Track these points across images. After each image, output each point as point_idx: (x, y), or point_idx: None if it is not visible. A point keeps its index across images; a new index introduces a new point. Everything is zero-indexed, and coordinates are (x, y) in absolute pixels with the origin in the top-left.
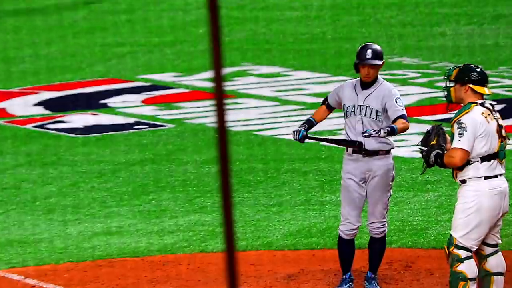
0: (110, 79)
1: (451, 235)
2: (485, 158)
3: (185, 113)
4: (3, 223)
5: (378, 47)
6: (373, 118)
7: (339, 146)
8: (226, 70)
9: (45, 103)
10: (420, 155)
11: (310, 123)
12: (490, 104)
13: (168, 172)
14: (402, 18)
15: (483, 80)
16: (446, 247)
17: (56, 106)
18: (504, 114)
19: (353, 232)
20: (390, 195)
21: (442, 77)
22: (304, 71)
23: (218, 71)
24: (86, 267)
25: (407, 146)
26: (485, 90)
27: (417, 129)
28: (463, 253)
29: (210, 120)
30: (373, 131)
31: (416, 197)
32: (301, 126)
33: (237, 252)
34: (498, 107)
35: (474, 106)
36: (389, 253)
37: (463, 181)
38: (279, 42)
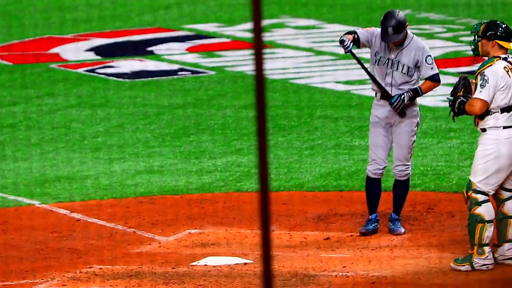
0: (157, 28)
1: (470, 180)
2: (504, 110)
3: (225, 61)
4: (52, 159)
5: (399, 19)
6: (405, 73)
7: (369, 79)
8: (265, 22)
9: (96, 49)
10: (448, 104)
11: (356, 42)
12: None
13: (208, 116)
14: None
15: (509, 36)
16: (464, 191)
17: (105, 52)
18: None
19: (380, 171)
20: (415, 140)
21: (467, 32)
22: (337, 24)
23: (258, 22)
24: (129, 203)
25: (433, 95)
26: (511, 45)
27: (443, 80)
28: (481, 197)
29: (248, 68)
30: (398, 102)
31: (439, 143)
32: (348, 40)
33: (270, 192)
34: None
35: (497, 60)
36: (413, 196)
37: (484, 130)
38: None
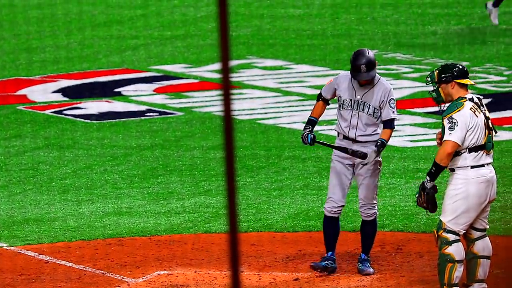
0: (125, 69)
1: (440, 219)
2: (472, 149)
3: (193, 102)
4: (20, 202)
5: (370, 57)
6: (371, 115)
7: (345, 154)
8: (233, 63)
9: (63, 91)
10: (420, 204)
11: (312, 123)
12: (478, 98)
13: (176, 157)
14: (397, 17)
15: (465, 73)
16: (435, 231)
17: (73, 93)
18: (491, 108)
19: (335, 210)
20: (378, 180)
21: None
22: (305, 65)
23: (226, 63)
24: (97, 245)
25: (400, 136)
26: (470, 81)
27: (409, 120)
28: (451, 236)
29: (216, 109)
30: (370, 159)
31: (407, 183)
32: (305, 129)
33: (239, 233)
34: (485, 100)
35: (464, 102)
36: (382, 236)
37: (452, 170)
38: (282, 37)
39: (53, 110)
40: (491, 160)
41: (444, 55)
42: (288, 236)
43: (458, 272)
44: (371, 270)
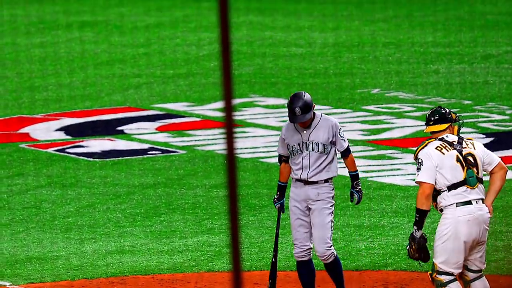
0: (127, 107)
1: (433, 261)
2: (451, 187)
3: (196, 140)
4: (23, 240)
5: (305, 100)
6: (321, 152)
7: (299, 194)
8: (235, 101)
9: (66, 129)
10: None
11: (281, 189)
12: (459, 137)
13: (179, 195)
14: (399, 56)
15: (441, 119)
16: (429, 274)
17: (76, 131)
18: (494, 147)
19: (302, 253)
20: (332, 220)
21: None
22: None
23: (229, 102)
24: (100, 284)
25: (403, 174)
26: (439, 126)
27: (412, 159)
28: (445, 278)
29: (219, 147)
30: (359, 199)
31: (410, 222)
32: (276, 195)
33: (242, 271)
34: (487, 140)
35: (429, 141)
36: (385, 275)
37: (441, 210)
38: (284, 76)
39: (55, 148)
40: (481, 196)
41: (447, 94)
42: (291, 275)
43: None
44: None
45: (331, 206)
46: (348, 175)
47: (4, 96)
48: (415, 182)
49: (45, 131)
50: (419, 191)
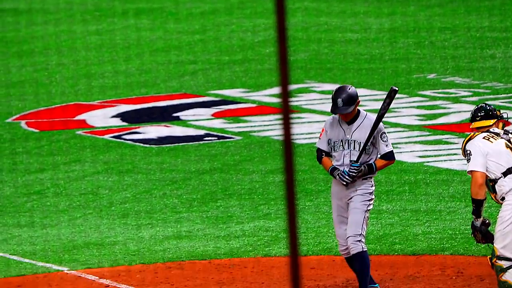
0: (183, 94)
1: (493, 246)
2: (506, 172)
3: (252, 126)
4: (80, 226)
5: (349, 93)
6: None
7: (341, 189)
8: (291, 87)
9: (123, 115)
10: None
11: (333, 168)
12: (505, 131)
13: (236, 181)
14: (455, 41)
15: (489, 115)
16: (489, 258)
17: (132, 118)
18: None
19: (346, 250)
20: (368, 217)
21: (493, 96)
22: (363, 89)
23: (285, 88)
24: (157, 268)
25: (459, 159)
26: (490, 122)
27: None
28: (505, 263)
29: (275, 133)
30: (355, 171)
31: (468, 207)
32: (333, 171)
33: (300, 256)
34: None
35: (476, 134)
36: (442, 260)
37: (502, 198)
38: (340, 61)
39: (112, 135)
40: None
41: (503, 79)
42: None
43: None
44: None
45: (369, 201)
46: (379, 160)
47: (61, 83)
48: (467, 172)
49: (102, 117)
50: (472, 181)
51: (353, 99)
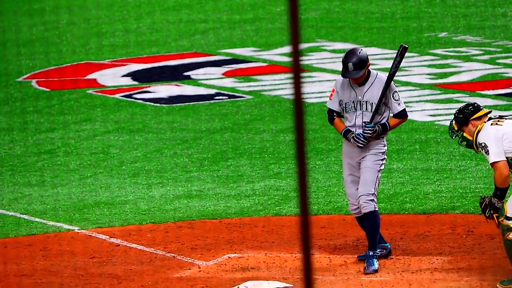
0: (194, 52)
1: (503, 206)
2: None
3: (262, 85)
4: (91, 185)
5: (360, 56)
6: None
7: (353, 149)
8: (302, 46)
9: (133, 74)
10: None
11: (347, 130)
12: (498, 115)
13: (246, 140)
14: None
15: (477, 107)
16: (495, 217)
17: (143, 77)
18: None
19: (357, 210)
20: (380, 176)
21: (504, 54)
22: (374, 48)
23: (296, 47)
24: (168, 228)
25: None
26: (485, 110)
27: (480, 102)
28: None
29: (285, 92)
30: (370, 132)
31: (478, 166)
32: (347, 134)
33: (310, 215)
34: None
35: (481, 125)
36: (453, 218)
37: None
38: (351, 20)
39: (123, 94)
40: None
41: None
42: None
43: None
44: (374, 267)
45: (381, 160)
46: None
47: (71, 42)
48: (490, 164)
49: (112, 77)
50: (496, 172)
51: (363, 63)
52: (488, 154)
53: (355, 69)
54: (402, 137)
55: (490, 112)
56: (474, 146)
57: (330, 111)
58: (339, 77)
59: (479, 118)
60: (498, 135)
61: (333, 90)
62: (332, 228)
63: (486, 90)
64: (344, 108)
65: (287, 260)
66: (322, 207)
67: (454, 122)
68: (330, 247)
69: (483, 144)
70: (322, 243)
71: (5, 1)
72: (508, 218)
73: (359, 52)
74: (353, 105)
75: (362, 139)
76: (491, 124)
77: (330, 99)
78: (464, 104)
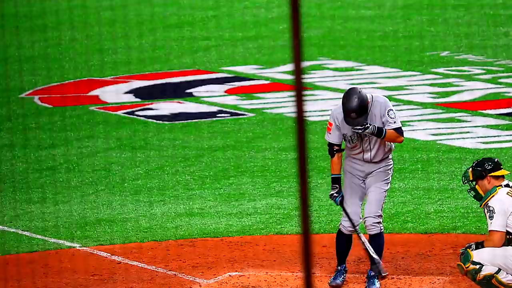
0: (196, 70)
1: (468, 252)
2: None
3: (265, 103)
4: (93, 202)
5: (360, 102)
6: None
7: (356, 167)
8: (305, 64)
9: (135, 91)
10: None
11: (337, 181)
12: None
13: (248, 158)
14: (469, 18)
15: (498, 165)
16: (458, 264)
17: (145, 94)
18: None
19: (351, 229)
20: (386, 195)
21: (506, 74)
22: (376, 66)
23: (298, 65)
24: (169, 246)
25: (472, 137)
26: (504, 171)
27: (482, 122)
28: (477, 265)
29: (287, 110)
30: (368, 128)
31: None
32: (332, 189)
33: (311, 234)
34: None
35: (499, 189)
36: (454, 239)
37: None
38: (353, 38)
39: (125, 111)
40: None
41: None
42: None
43: (506, 278)
44: (375, 287)
45: (388, 178)
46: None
47: (74, 59)
48: (489, 230)
49: (115, 93)
50: (489, 239)
51: (365, 107)
52: (492, 220)
53: (359, 116)
54: (404, 156)
55: (508, 174)
56: (481, 202)
57: (331, 145)
58: (334, 109)
59: (497, 177)
60: (506, 209)
61: (330, 124)
62: (333, 247)
63: (488, 109)
64: (349, 140)
65: (288, 279)
66: (324, 226)
67: (470, 171)
68: (331, 266)
69: (491, 208)
70: (323, 262)
71: (7, 17)
72: (474, 263)
73: (358, 98)
74: (358, 136)
75: (337, 203)
76: (507, 193)
77: (329, 133)
78: (485, 157)
